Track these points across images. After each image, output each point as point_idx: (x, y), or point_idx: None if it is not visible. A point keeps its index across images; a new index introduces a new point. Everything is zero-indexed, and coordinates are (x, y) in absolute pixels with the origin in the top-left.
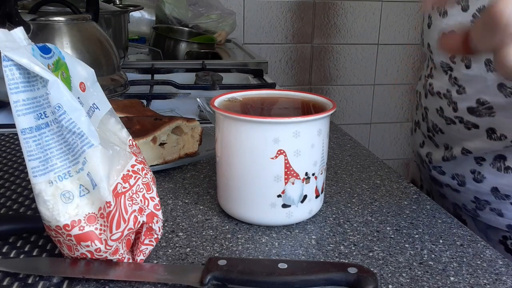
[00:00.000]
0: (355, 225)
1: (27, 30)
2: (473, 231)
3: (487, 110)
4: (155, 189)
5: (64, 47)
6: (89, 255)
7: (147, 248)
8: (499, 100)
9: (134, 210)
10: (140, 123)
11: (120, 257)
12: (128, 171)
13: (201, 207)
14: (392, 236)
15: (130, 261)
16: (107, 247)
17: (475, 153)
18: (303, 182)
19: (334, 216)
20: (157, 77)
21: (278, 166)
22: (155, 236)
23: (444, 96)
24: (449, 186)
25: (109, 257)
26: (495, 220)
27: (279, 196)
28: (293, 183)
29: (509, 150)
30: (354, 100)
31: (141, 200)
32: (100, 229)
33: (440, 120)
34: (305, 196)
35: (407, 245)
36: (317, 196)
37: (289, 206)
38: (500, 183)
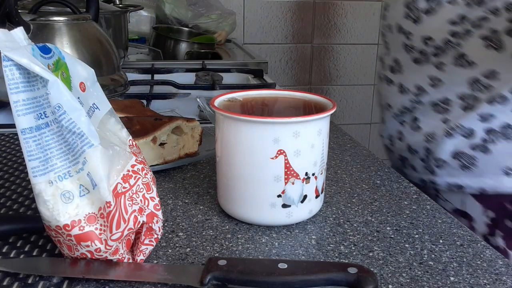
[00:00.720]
0: (355, 225)
1: (27, 30)
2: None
3: (399, 67)
4: (155, 189)
5: (64, 47)
6: (89, 255)
7: (147, 248)
8: (404, 57)
9: (134, 210)
10: (140, 123)
11: (120, 257)
12: (128, 171)
13: (201, 207)
14: (392, 236)
15: (130, 261)
16: (107, 247)
17: (394, 107)
18: (303, 182)
19: (334, 216)
20: (157, 77)
21: (278, 166)
22: (155, 236)
23: (381, 59)
24: (387, 148)
25: (109, 257)
26: (413, 176)
27: (279, 196)
28: (293, 183)
29: (420, 111)
30: (354, 100)
31: (141, 200)
32: (100, 229)
33: (378, 81)
34: (305, 196)
35: (407, 245)
36: (317, 196)
37: (289, 206)
38: (412, 141)
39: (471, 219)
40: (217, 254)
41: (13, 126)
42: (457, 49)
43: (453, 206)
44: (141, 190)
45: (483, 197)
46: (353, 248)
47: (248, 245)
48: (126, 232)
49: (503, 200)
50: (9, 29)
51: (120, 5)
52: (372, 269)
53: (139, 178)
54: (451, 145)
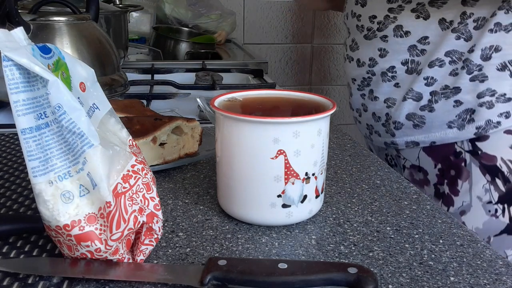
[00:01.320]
0: (355, 225)
1: (27, 30)
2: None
3: (355, 45)
4: (155, 189)
5: (64, 47)
6: (89, 255)
7: (147, 248)
8: (358, 36)
9: (134, 210)
10: (140, 123)
11: (120, 257)
12: (128, 171)
13: (201, 207)
14: (392, 236)
15: (130, 261)
16: (107, 247)
17: (357, 80)
18: (303, 182)
19: (334, 216)
20: (157, 77)
21: (278, 166)
22: (155, 236)
23: (345, 43)
24: (356, 120)
25: (109, 257)
26: (378, 140)
27: (279, 196)
28: (293, 183)
29: (374, 82)
30: None
31: (141, 200)
32: (100, 229)
33: (343, 61)
34: (305, 196)
35: (407, 245)
36: (317, 196)
37: (289, 206)
38: (374, 109)
39: (425, 172)
40: (217, 254)
41: (13, 126)
42: (395, 22)
43: (410, 163)
44: (141, 190)
45: (433, 151)
46: (353, 248)
47: (248, 245)
48: (126, 232)
49: (448, 153)
50: (9, 29)
51: (120, 5)
52: (372, 269)
53: (139, 178)
54: (406, 109)
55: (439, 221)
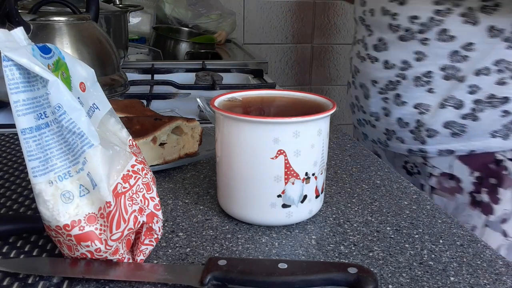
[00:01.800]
0: (355, 225)
1: (27, 30)
2: (384, 161)
3: (384, 45)
4: (155, 189)
5: (64, 47)
6: (89, 255)
7: (147, 248)
8: (390, 36)
9: (134, 210)
10: (140, 123)
11: (120, 257)
12: (128, 171)
13: (201, 207)
14: (392, 236)
15: (130, 261)
16: (107, 247)
17: (380, 83)
18: (303, 182)
19: (334, 216)
20: (157, 77)
21: (278, 166)
22: (155, 236)
23: (361, 41)
24: (369, 123)
25: (109, 257)
26: (399, 147)
27: (279, 196)
28: (293, 183)
29: (402, 87)
30: None
31: (141, 200)
32: (100, 229)
33: (357, 61)
34: (305, 196)
35: (407, 245)
36: (317, 196)
37: (289, 206)
38: (400, 114)
39: (458, 180)
40: (217, 254)
41: (13, 126)
42: (440, 25)
43: (440, 171)
44: (141, 190)
45: (470, 159)
46: (353, 248)
47: (248, 245)
48: (126, 232)
49: (487, 161)
50: (9, 29)
51: (120, 5)
52: (372, 269)
53: (139, 178)
54: (443, 116)
55: (439, 221)
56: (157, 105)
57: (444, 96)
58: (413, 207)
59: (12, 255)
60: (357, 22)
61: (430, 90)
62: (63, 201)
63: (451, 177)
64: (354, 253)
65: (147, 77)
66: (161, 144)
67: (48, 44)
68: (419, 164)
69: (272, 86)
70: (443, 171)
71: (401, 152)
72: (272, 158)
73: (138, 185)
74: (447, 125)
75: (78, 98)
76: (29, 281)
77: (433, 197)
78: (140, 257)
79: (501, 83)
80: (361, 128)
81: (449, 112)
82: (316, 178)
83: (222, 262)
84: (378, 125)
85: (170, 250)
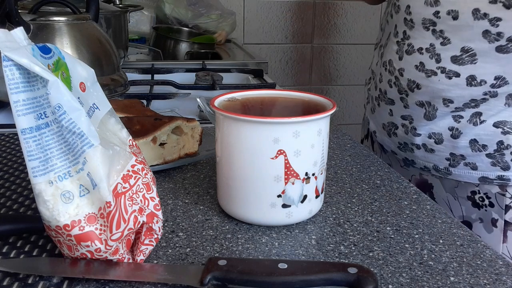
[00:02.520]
0: (355, 225)
1: (27, 30)
2: (439, 193)
3: (470, 57)
4: (155, 189)
5: (64, 47)
6: (89, 255)
7: (147, 248)
8: (483, 46)
9: (134, 210)
10: (140, 123)
11: (120, 257)
12: (128, 171)
13: (201, 207)
14: (392, 236)
15: (130, 261)
16: (107, 247)
17: (456, 101)
18: (303, 182)
19: (334, 216)
20: (157, 77)
21: (278, 166)
22: (155, 236)
23: (426, 51)
24: (423, 148)
25: (109, 257)
26: (468, 175)
27: (279, 196)
28: (293, 183)
29: (486, 105)
30: (354, 100)
31: (141, 200)
32: (100, 229)
33: (419, 75)
34: (305, 196)
35: (407, 245)
36: (317, 196)
37: (289, 206)
38: (477, 133)
39: None
40: (217, 254)
41: (13, 126)
42: None
43: None
44: (141, 190)
45: None
46: (353, 248)
47: (248, 245)
48: (126, 232)
49: None
50: (9, 29)
51: (120, 5)
52: (372, 269)
53: (139, 178)
54: None
55: (439, 221)
56: (157, 105)
57: None
58: (413, 207)
59: (12, 255)
60: (411, 26)
61: None
62: (63, 201)
63: None
64: (354, 253)
65: (147, 77)
66: (161, 144)
67: (48, 44)
68: (493, 195)
69: (272, 86)
70: None
71: (470, 181)
72: (272, 158)
73: (138, 185)
74: None
75: (78, 98)
76: (29, 281)
77: (508, 235)
78: (140, 257)
79: None
80: (405, 153)
81: None
82: (316, 178)
83: (222, 262)
84: (440, 149)
85: (170, 250)
